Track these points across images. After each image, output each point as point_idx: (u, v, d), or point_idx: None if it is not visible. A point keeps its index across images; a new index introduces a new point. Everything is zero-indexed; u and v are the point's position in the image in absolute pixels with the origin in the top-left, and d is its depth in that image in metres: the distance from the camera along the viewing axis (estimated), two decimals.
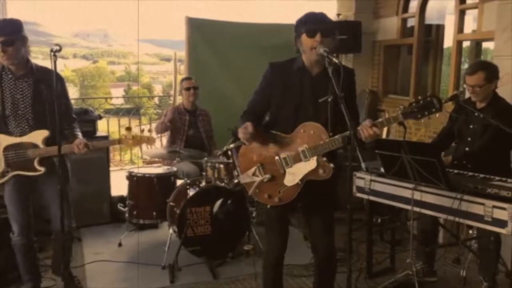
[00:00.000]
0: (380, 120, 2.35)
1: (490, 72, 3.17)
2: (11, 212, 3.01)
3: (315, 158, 2.43)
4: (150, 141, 3.09)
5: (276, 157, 2.51)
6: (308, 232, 2.79)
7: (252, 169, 2.55)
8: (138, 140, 3.03)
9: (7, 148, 2.91)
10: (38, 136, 2.91)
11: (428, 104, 2.27)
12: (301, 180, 2.47)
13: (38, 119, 2.91)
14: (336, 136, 2.37)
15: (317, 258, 2.77)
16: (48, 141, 2.92)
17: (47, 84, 2.87)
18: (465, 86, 3.27)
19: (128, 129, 3.07)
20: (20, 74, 2.89)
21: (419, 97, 2.31)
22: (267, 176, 2.51)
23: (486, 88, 3.16)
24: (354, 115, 2.49)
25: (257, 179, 2.53)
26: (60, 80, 2.98)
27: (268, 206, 2.60)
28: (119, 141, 3.08)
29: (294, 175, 2.48)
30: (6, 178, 2.94)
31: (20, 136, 2.92)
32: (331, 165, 2.42)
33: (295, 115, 2.48)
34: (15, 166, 2.93)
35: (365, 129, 2.31)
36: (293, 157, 2.48)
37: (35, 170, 2.90)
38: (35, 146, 2.90)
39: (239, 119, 2.58)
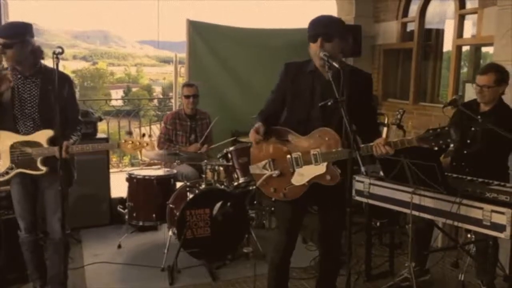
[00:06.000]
0: (394, 140, 2.36)
1: (501, 75, 3.20)
2: (17, 209, 3.06)
3: (325, 163, 2.45)
4: (149, 147, 3.09)
5: (288, 156, 2.54)
6: (319, 232, 2.80)
7: (263, 162, 2.60)
8: (137, 146, 3.03)
9: (13, 146, 2.93)
10: (42, 136, 2.92)
11: (445, 134, 2.29)
12: (308, 182, 2.51)
13: (44, 119, 2.92)
14: (348, 149, 2.37)
15: (321, 255, 2.80)
16: (52, 141, 2.94)
17: (55, 85, 2.88)
18: (474, 86, 3.30)
19: (129, 133, 3.05)
20: (27, 74, 2.94)
21: (438, 126, 2.33)
22: (276, 172, 2.56)
23: (494, 90, 3.19)
24: (372, 122, 2.58)
25: (267, 172, 2.59)
26: (69, 82, 3.02)
27: (273, 199, 2.66)
28: (118, 145, 3.08)
29: (303, 176, 2.52)
30: (10, 176, 2.98)
31: (26, 135, 2.95)
32: (338, 171, 2.44)
33: (306, 117, 2.52)
34: (19, 164, 2.96)
35: (378, 147, 2.33)
36: (304, 158, 2.51)
37: (38, 169, 2.92)
38: (39, 145, 2.92)
39: (255, 118, 2.61)
